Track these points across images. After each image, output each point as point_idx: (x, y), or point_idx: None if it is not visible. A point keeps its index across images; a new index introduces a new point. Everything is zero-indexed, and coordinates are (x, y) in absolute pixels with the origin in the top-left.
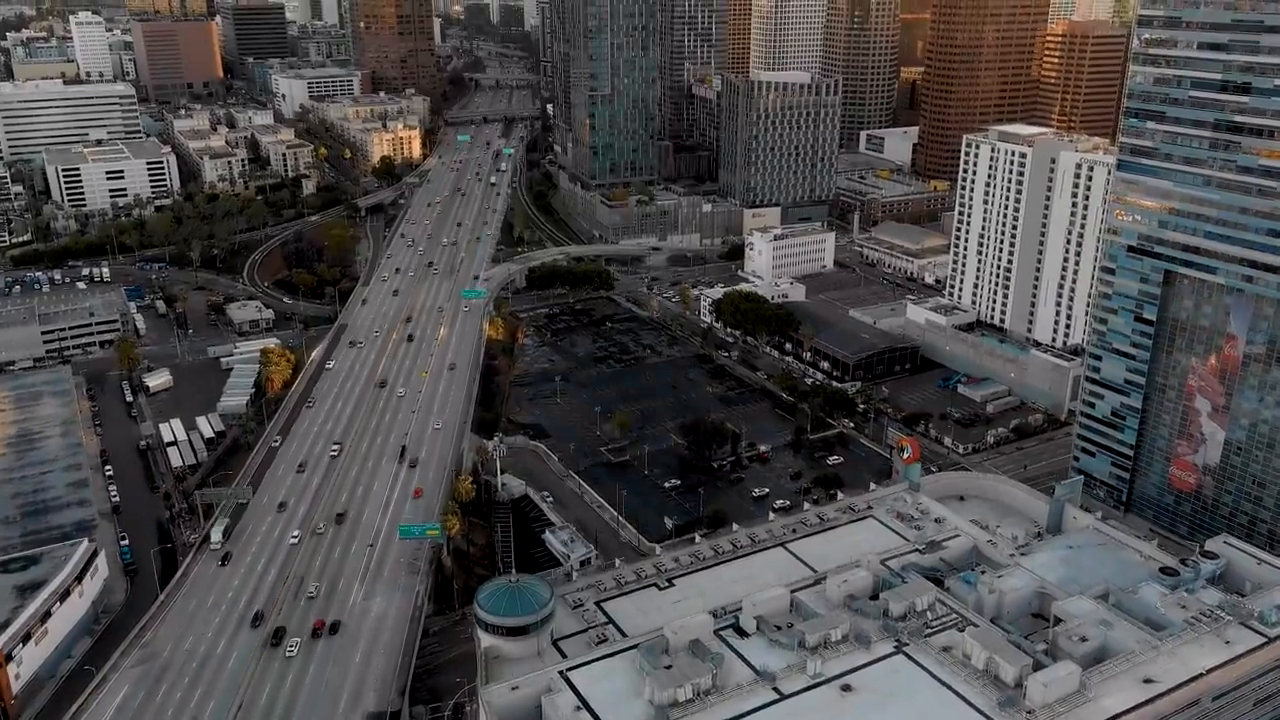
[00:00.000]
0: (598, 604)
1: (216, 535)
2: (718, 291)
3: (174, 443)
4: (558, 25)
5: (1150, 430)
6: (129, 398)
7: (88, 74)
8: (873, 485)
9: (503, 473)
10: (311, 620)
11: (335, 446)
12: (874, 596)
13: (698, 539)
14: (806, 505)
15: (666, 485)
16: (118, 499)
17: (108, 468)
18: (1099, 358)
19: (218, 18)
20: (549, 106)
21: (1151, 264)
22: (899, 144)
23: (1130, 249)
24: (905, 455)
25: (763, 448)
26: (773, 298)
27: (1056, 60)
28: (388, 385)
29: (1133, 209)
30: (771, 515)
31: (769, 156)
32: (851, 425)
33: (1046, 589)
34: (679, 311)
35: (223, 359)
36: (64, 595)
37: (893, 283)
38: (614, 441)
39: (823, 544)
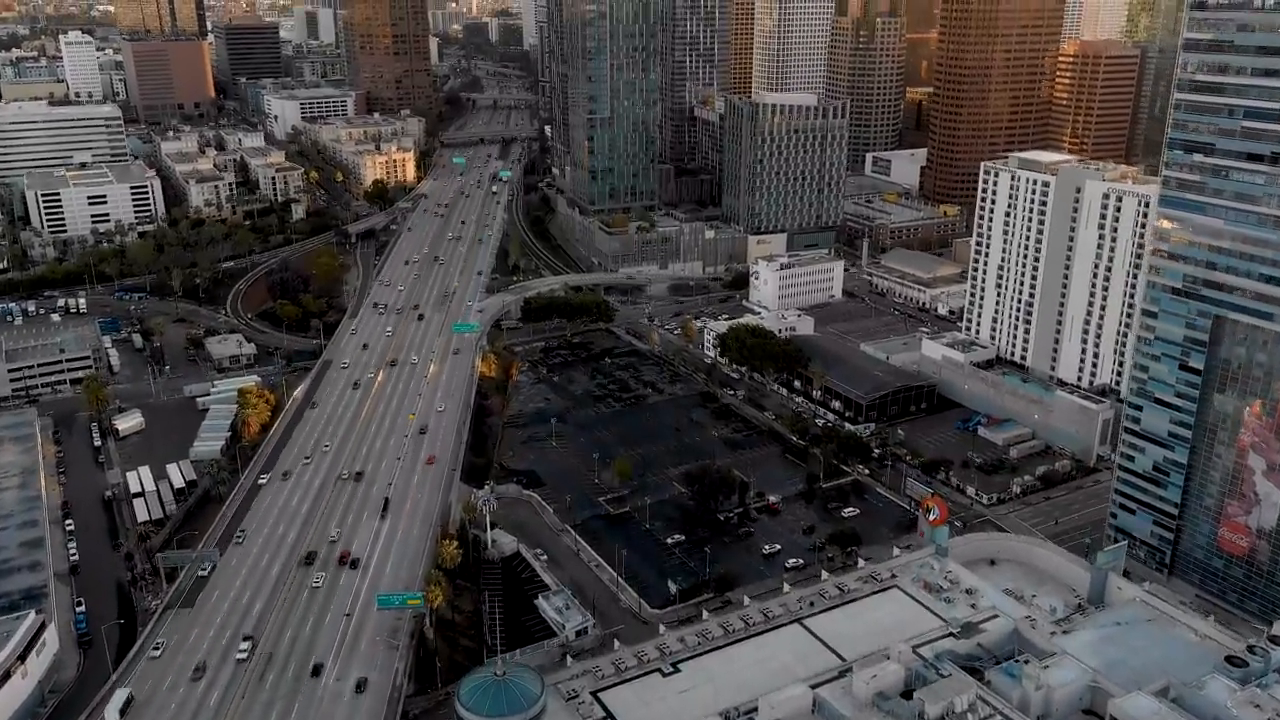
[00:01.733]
0: (594, 695)
1: (113, 715)
2: (722, 325)
3: (141, 494)
4: (556, 45)
5: (1196, 488)
6: (97, 442)
7: (77, 94)
8: (896, 550)
9: (493, 527)
10: (277, 704)
11: (244, 645)
12: (906, 693)
13: (705, 615)
14: (825, 575)
15: (669, 541)
16: (77, 558)
17: (69, 522)
18: (1139, 407)
19: (210, 37)
20: (547, 128)
21: (1199, 308)
22: (906, 166)
23: (1174, 291)
24: (932, 517)
25: (772, 498)
26: (780, 331)
27: (1068, 81)
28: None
29: (1177, 248)
30: (786, 588)
31: (774, 181)
32: (867, 472)
33: (1099, 683)
34: (681, 345)
35: (199, 398)
36: (4, 677)
37: (904, 314)
38: (613, 491)
39: (844, 620)
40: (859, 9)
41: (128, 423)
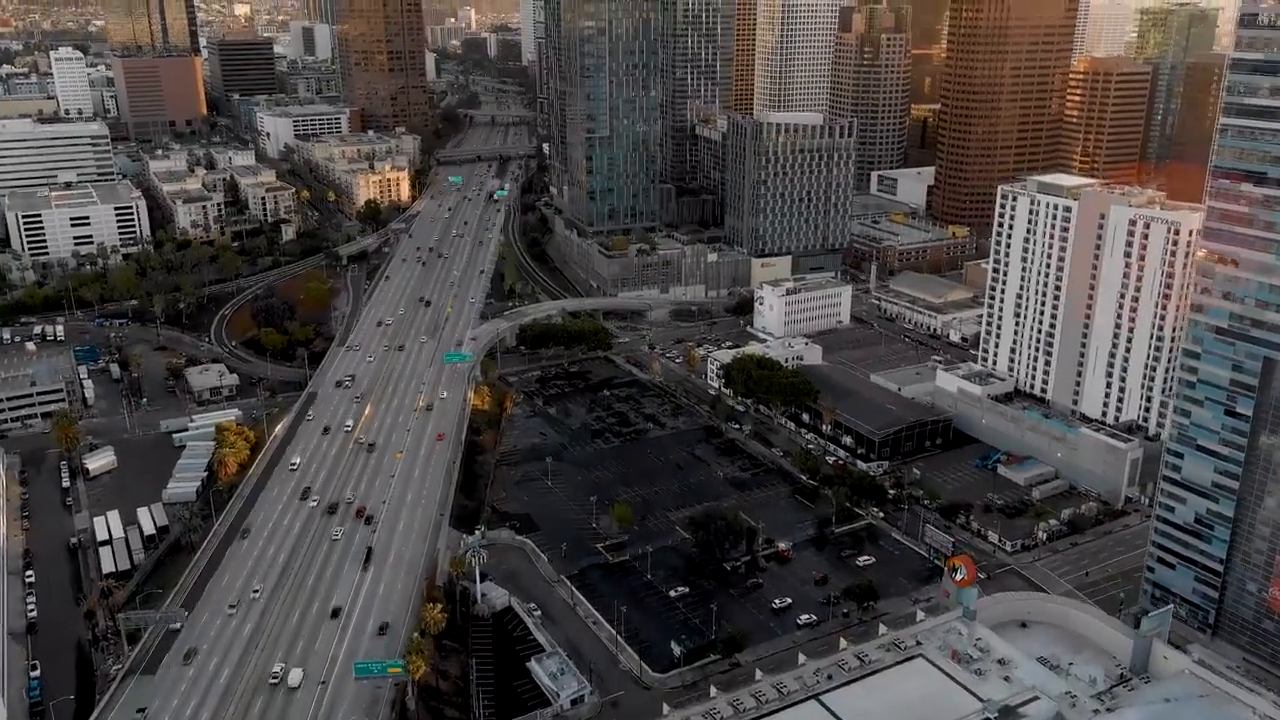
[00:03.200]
0: None
1: None
2: (726, 354)
3: (108, 541)
4: (554, 62)
5: (1244, 542)
6: (66, 482)
7: (66, 111)
8: (919, 613)
9: (484, 579)
10: None
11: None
12: None
13: (714, 693)
14: (843, 644)
15: (673, 594)
16: (35, 615)
17: (29, 573)
18: (1180, 455)
19: (205, 53)
20: (545, 145)
21: (1247, 349)
22: (913, 186)
23: (1219, 331)
24: (959, 576)
25: (782, 545)
26: (786, 360)
27: (1078, 99)
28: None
29: (1223, 284)
30: (802, 658)
31: (778, 202)
32: (881, 515)
33: None
34: (684, 374)
35: (175, 434)
36: None
37: (915, 341)
38: (612, 537)
39: (865, 696)
40: (863, 25)
41: (99, 461)
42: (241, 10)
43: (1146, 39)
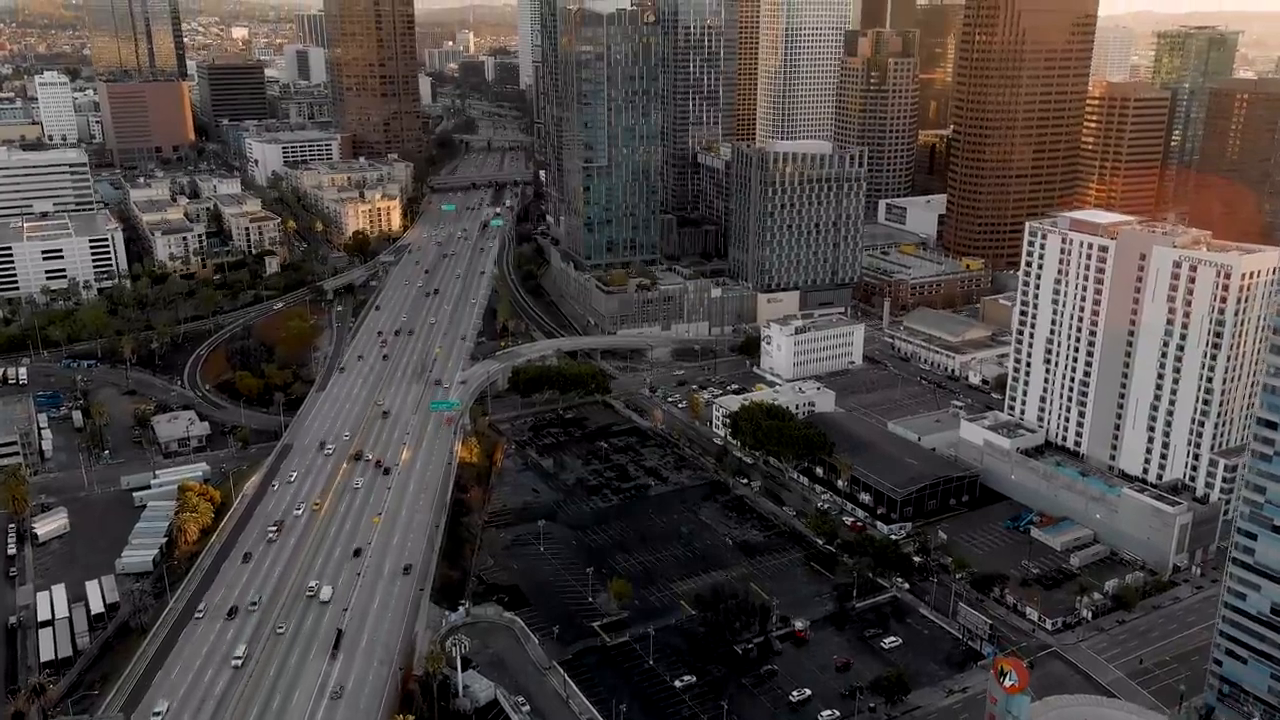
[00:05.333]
0: None
1: None
2: (733, 401)
3: (50, 622)
4: (551, 87)
5: None
6: (12, 549)
7: (50, 137)
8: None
9: (466, 666)
10: None
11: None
12: None
13: None
14: None
15: (678, 685)
16: None
17: None
18: (1253, 535)
19: (193, 77)
20: (542, 172)
21: None
22: (922, 215)
23: None
24: (1008, 683)
25: (798, 624)
26: (797, 408)
27: (1095, 125)
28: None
29: None
30: None
31: (785, 234)
32: (907, 587)
33: None
34: (687, 421)
35: (136, 493)
36: None
37: (932, 383)
38: (610, 614)
39: None
40: (869, 49)
41: (49, 525)
42: (239, 34)
43: (1162, 63)
